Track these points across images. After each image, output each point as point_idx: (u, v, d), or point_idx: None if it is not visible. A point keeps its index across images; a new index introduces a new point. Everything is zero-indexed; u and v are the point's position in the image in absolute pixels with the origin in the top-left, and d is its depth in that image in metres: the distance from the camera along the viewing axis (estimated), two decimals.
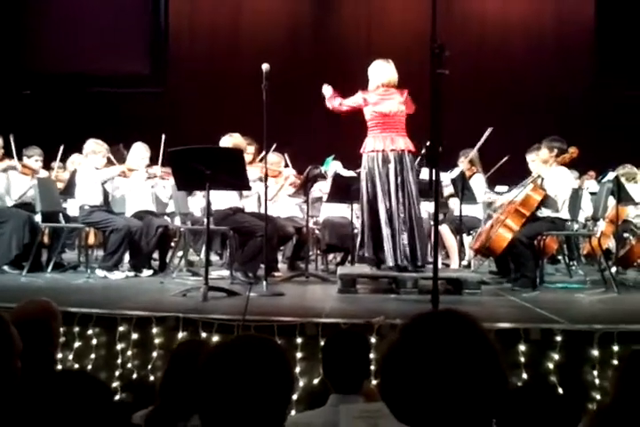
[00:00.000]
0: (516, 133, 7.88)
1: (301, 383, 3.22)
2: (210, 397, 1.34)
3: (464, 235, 6.17)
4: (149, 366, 3.42)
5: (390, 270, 4.83)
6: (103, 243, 5.97)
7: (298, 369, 3.22)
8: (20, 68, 10.67)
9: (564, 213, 5.26)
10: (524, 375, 3.20)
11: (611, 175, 6.00)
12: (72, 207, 6.25)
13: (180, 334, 3.42)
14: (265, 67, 4.60)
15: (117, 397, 3.34)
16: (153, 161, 6.04)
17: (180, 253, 6.23)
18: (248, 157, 5.63)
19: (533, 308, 4.05)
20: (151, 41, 11.13)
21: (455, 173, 5.86)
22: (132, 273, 5.65)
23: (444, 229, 6.01)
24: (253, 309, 3.30)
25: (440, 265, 4.46)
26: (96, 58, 10.47)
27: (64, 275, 5.65)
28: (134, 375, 3.44)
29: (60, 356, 3.26)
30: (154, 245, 5.83)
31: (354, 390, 2.30)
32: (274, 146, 6.14)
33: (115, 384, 3.40)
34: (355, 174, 5.61)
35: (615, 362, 3.14)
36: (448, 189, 6.06)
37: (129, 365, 3.45)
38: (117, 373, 3.45)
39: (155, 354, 3.43)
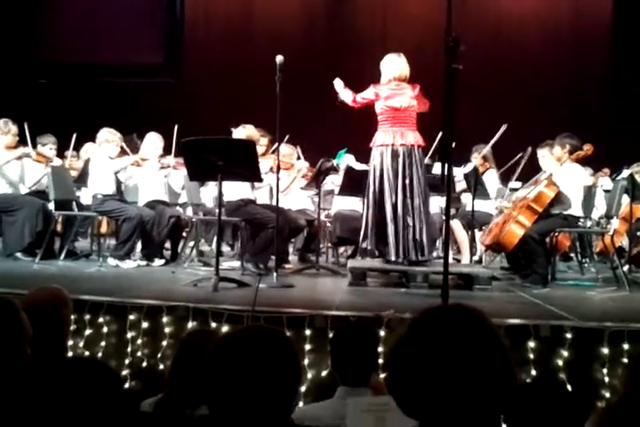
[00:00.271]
0: (531, 128, 7.81)
1: (309, 375, 3.23)
2: (217, 386, 1.34)
3: (476, 230, 6.15)
4: (159, 355, 3.45)
5: (401, 264, 4.83)
6: (115, 232, 6.00)
7: (306, 361, 3.23)
8: (35, 57, 10.72)
9: (578, 211, 5.23)
10: (534, 372, 3.19)
11: (625, 173, 5.95)
12: (85, 196, 6.29)
13: (190, 324, 3.44)
14: (279, 59, 4.59)
15: (127, 384, 3.36)
16: (166, 151, 6.06)
17: (191, 244, 6.26)
18: (261, 149, 5.63)
19: (544, 304, 4.03)
20: (166, 31, 11.14)
21: (468, 168, 5.83)
22: (143, 262, 5.68)
23: (456, 225, 5.99)
24: (263, 300, 3.31)
25: (451, 260, 4.45)
26: (111, 47, 10.50)
27: (76, 263, 5.69)
28: (144, 364, 3.47)
29: (70, 343, 3.28)
30: (166, 234, 5.86)
31: (362, 383, 2.31)
32: (286, 137, 6.13)
33: (124, 372, 3.43)
34: (367, 168, 5.59)
35: (625, 360, 3.12)
36: (461, 185, 6.04)
37: (139, 353, 3.48)
38: (127, 361, 3.48)
39: (164, 343, 3.46)
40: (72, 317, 2.93)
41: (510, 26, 10.59)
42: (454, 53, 3.13)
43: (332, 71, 5.19)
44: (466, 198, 6.31)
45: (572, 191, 5.12)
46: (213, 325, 3.40)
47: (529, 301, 4.26)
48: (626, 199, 5.66)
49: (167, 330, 3.47)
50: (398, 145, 4.81)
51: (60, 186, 5.89)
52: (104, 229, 6.41)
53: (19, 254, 5.69)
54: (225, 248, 6.91)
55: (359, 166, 6.04)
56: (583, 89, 9.94)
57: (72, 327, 3.17)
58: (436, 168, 5.71)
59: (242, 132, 5.48)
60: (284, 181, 6.02)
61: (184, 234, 6.43)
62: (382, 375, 2.60)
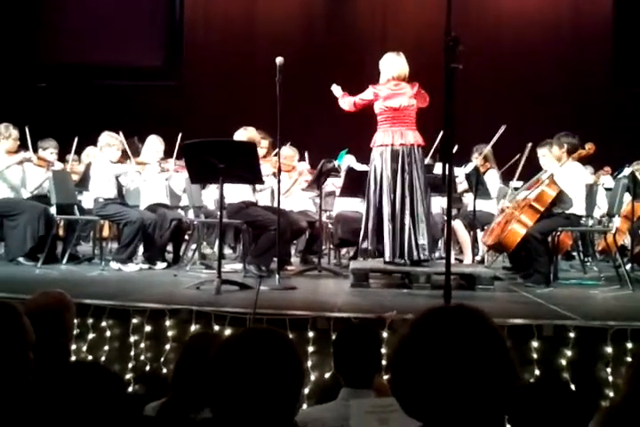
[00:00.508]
0: (532, 126, 7.81)
1: (312, 377, 3.23)
2: (221, 390, 1.34)
3: (478, 230, 6.14)
4: (162, 359, 3.44)
5: (403, 265, 4.82)
6: (117, 235, 6.00)
7: (309, 363, 3.22)
8: (35, 60, 10.73)
9: (579, 209, 5.22)
10: (537, 372, 3.18)
11: (626, 171, 5.94)
12: (87, 200, 6.29)
13: (193, 327, 3.43)
14: (279, 60, 4.58)
15: (130, 388, 3.36)
16: (167, 154, 6.06)
17: (193, 246, 6.25)
18: (262, 151, 5.63)
19: (546, 304, 4.03)
20: (166, 33, 11.16)
21: (469, 168, 5.83)
22: (145, 266, 5.68)
23: (458, 225, 5.98)
24: (265, 302, 3.31)
25: (453, 260, 4.44)
26: (111, 50, 10.51)
27: (78, 267, 5.69)
28: (147, 367, 3.46)
29: (73, 347, 3.29)
30: (167, 237, 5.87)
31: (365, 385, 2.31)
32: (288, 143, 6.13)
33: (128, 376, 3.43)
34: (368, 169, 5.60)
35: (629, 359, 3.11)
36: (462, 186, 6.03)
37: (142, 357, 3.48)
38: (130, 365, 3.47)
39: (168, 346, 3.45)
40: (75, 321, 2.94)
41: (510, 25, 10.58)
42: (454, 53, 3.13)
43: (332, 71, 5.20)
44: (467, 198, 6.30)
45: (574, 190, 5.12)
46: (216, 327, 3.39)
47: (531, 300, 4.26)
48: (627, 197, 5.66)
49: (170, 333, 3.47)
50: (398, 145, 4.80)
51: (61, 190, 5.89)
52: (106, 232, 6.41)
53: (21, 259, 5.69)
54: (227, 251, 6.91)
55: (360, 167, 6.04)
56: (583, 87, 9.94)
57: (75, 331, 3.18)
58: (437, 168, 5.71)
59: (243, 134, 5.48)
60: (286, 183, 6.01)
61: (186, 237, 6.43)
62: (385, 377, 2.60)
